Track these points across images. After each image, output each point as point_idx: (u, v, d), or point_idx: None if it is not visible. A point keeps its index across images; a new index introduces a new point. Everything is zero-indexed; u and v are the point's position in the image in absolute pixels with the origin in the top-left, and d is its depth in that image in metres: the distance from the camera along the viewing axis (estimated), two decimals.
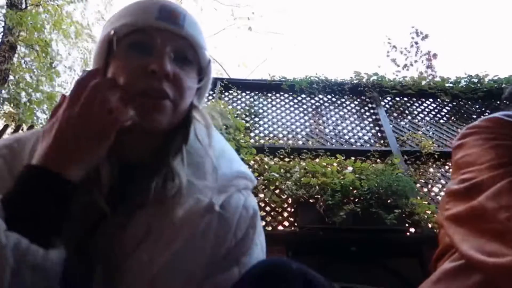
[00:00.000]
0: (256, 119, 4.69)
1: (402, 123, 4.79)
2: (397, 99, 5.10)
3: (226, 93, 5.05)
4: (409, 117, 4.89)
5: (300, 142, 4.36)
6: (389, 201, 3.28)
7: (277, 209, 3.62)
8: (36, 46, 7.44)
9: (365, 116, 4.86)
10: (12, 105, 7.34)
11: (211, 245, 0.67)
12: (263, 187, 3.75)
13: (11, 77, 7.16)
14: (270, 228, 3.52)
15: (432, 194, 3.81)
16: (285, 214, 3.62)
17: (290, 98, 5.05)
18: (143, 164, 0.71)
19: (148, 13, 0.69)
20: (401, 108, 5.00)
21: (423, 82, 5.19)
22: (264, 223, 3.57)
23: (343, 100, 5.08)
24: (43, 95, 7.29)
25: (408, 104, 5.06)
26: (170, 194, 0.66)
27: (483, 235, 0.59)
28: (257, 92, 5.10)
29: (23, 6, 7.40)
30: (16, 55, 7.35)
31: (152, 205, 0.66)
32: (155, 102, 0.66)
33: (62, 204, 0.55)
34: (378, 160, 4.10)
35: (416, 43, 9.95)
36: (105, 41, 0.69)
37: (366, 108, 4.98)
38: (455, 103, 5.07)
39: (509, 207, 0.57)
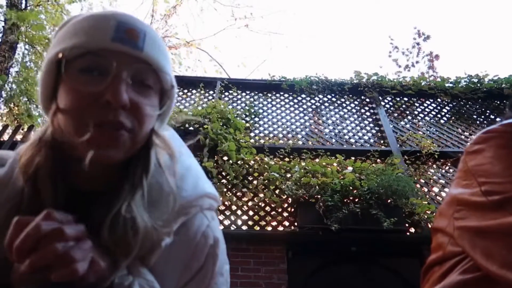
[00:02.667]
0: (256, 119, 4.69)
1: (402, 123, 4.79)
2: (397, 99, 5.10)
3: (226, 93, 5.05)
4: (409, 117, 4.89)
5: (300, 142, 4.37)
6: (389, 201, 3.28)
7: (277, 209, 3.62)
8: (37, 46, 7.45)
9: (365, 116, 4.86)
10: (12, 105, 7.35)
11: (178, 270, 0.64)
12: (263, 187, 3.75)
13: (10, 77, 7.16)
14: (270, 228, 3.53)
15: (432, 194, 3.81)
16: (285, 214, 3.62)
17: (290, 98, 5.05)
18: (95, 192, 0.64)
19: (103, 33, 0.60)
20: (401, 108, 5.00)
21: (423, 82, 5.20)
22: (264, 223, 3.58)
23: (343, 100, 5.08)
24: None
25: (408, 104, 5.06)
26: (129, 234, 0.60)
27: None
28: (257, 92, 5.10)
29: (23, 6, 7.40)
30: (16, 55, 7.36)
31: (108, 246, 0.59)
32: (110, 136, 0.59)
33: None
34: (378, 160, 4.10)
35: (418, 44, 9.97)
36: (53, 62, 0.61)
37: (366, 108, 4.98)
38: (455, 103, 5.08)
39: None
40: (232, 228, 3.52)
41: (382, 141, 4.45)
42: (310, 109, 4.92)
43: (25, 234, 0.49)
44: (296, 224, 3.42)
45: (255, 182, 3.81)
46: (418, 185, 3.79)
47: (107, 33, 0.60)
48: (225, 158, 3.89)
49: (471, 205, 0.64)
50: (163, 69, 0.64)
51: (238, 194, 3.77)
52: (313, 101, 5.02)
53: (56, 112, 0.61)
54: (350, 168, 3.70)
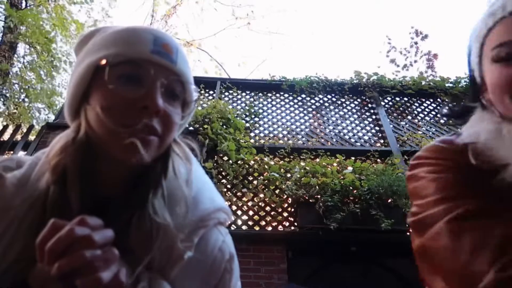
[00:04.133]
0: (256, 119, 4.69)
1: (402, 123, 4.79)
2: (397, 99, 5.10)
3: (226, 93, 5.05)
4: (409, 117, 4.89)
5: (300, 142, 4.36)
6: (389, 201, 3.28)
7: (277, 209, 3.62)
8: (37, 45, 7.45)
9: (365, 116, 4.86)
10: (12, 105, 7.35)
11: (195, 285, 0.66)
12: (263, 187, 3.75)
13: (10, 77, 7.16)
14: (270, 228, 3.53)
15: None
16: (285, 214, 3.62)
17: (290, 98, 5.05)
18: (116, 196, 0.66)
19: (142, 44, 0.65)
20: (401, 108, 5.00)
21: (423, 82, 5.20)
22: (264, 223, 3.58)
23: (343, 100, 5.09)
24: (41, 91, 7.30)
25: (408, 104, 5.06)
26: (153, 238, 0.62)
27: (429, 274, 0.62)
28: (257, 92, 5.10)
29: (23, 6, 7.40)
30: (15, 55, 7.36)
31: (131, 247, 0.61)
32: (143, 139, 0.62)
33: None
34: (378, 160, 4.10)
35: (416, 43, 9.95)
36: (92, 66, 0.65)
37: (366, 108, 4.98)
38: (455, 103, 5.07)
39: (447, 249, 0.58)
40: (232, 228, 3.52)
41: (382, 141, 4.45)
42: (310, 109, 4.92)
43: (58, 237, 0.49)
44: (296, 224, 3.42)
45: (255, 182, 3.81)
46: None
47: (146, 45, 0.65)
48: (225, 158, 3.89)
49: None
50: (190, 81, 0.70)
51: (238, 194, 3.77)
52: (313, 101, 5.02)
53: (89, 113, 0.64)
54: (350, 168, 3.70)
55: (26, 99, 7.43)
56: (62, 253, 0.49)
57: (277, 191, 3.71)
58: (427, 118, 4.91)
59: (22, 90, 7.39)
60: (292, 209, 3.57)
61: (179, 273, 0.63)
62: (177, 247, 0.63)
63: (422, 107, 5.04)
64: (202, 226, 0.68)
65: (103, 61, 0.64)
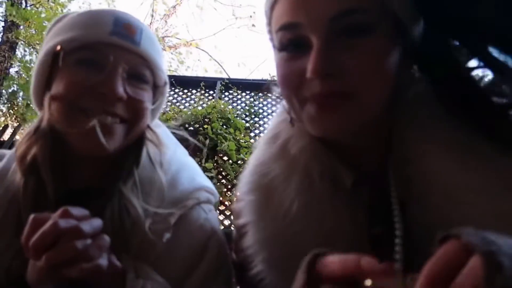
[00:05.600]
0: (256, 119, 4.68)
1: None
2: None
3: (226, 93, 5.05)
4: None
5: None
6: None
7: None
8: (37, 46, 7.45)
9: None
10: (12, 104, 7.35)
11: (179, 263, 0.65)
12: None
13: (10, 77, 7.16)
14: None
15: None
16: None
17: None
18: (91, 189, 0.64)
19: (101, 26, 0.61)
20: None
21: None
22: None
23: None
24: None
25: None
26: (127, 227, 0.61)
27: None
28: (257, 92, 5.10)
29: (23, 6, 7.40)
30: (15, 55, 7.36)
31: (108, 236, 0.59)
32: (104, 126, 0.59)
33: None
34: None
35: None
36: (49, 54, 0.61)
37: None
38: None
39: None
40: (231, 228, 3.51)
41: None
42: None
43: (42, 232, 0.48)
44: None
45: None
46: None
47: (105, 27, 0.61)
48: (225, 158, 3.89)
49: None
50: (158, 65, 0.66)
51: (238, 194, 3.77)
52: None
53: (50, 101, 0.61)
54: None
55: (26, 99, 7.42)
56: (49, 246, 0.48)
57: None
58: None
59: (21, 90, 7.39)
60: None
61: (162, 253, 0.62)
62: (154, 230, 0.62)
63: None
64: (181, 206, 0.67)
65: (58, 47, 0.60)
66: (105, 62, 0.60)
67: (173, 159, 0.72)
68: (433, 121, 0.49)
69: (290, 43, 0.51)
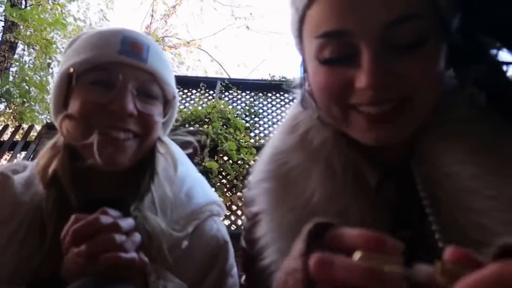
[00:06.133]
0: (256, 119, 4.69)
1: None
2: None
3: (226, 93, 5.05)
4: None
5: None
6: None
7: None
8: (36, 46, 7.44)
9: None
10: (12, 105, 7.34)
11: (194, 269, 0.70)
12: None
13: (10, 76, 7.16)
14: None
15: None
16: None
17: (290, 98, 5.05)
18: (112, 199, 0.67)
19: (110, 46, 0.65)
20: None
21: None
22: None
23: None
24: (37, 91, 7.31)
25: None
26: (144, 239, 0.63)
27: None
28: (257, 92, 5.10)
29: (23, 6, 7.39)
30: (15, 55, 7.35)
31: None
32: (116, 142, 0.64)
33: None
34: None
35: None
36: (65, 76, 0.66)
37: None
38: None
39: None
40: (232, 228, 3.51)
41: None
42: None
43: (86, 221, 0.54)
44: None
45: None
46: None
47: (113, 47, 0.65)
48: (225, 158, 3.89)
49: None
50: (166, 80, 0.70)
51: (238, 194, 3.77)
52: None
53: (64, 119, 0.66)
54: None
55: (25, 99, 7.41)
56: (88, 236, 0.53)
57: None
58: None
59: (20, 90, 7.38)
60: None
61: (178, 259, 0.67)
62: (173, 239, 0.67)
63: None
64: (196, 218, 0.72)
65: (71, 70, 0.65)
66: (115, 80, 0.64)
67: (187, 175, 0.77)
68: (460, 122, 0.47)
69: (336, 54, 0.46)
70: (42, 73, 7.69)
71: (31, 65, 7.75)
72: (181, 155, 0.79)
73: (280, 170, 0.55)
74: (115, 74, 0.64)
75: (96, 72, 0.65)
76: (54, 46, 7.75)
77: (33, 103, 7.32)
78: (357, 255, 0.32)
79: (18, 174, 0.71)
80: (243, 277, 0.71)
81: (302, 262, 0.35)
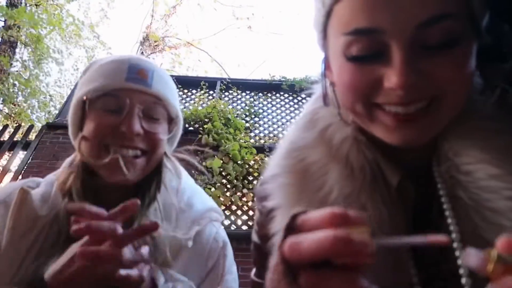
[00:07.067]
0: (256, 119, 4.69)
1: None
2: None
3: (226, 93, 5.05)
4: None
5: None
6: None
7: None
8: (30, 43, 7.44)
9: None
10: (11, 104, 7.34)
11: (196, 268, 0.77)
12: None
13: (10, 77, 7.16)
14: None
15: None
16: None
17: (290, 98, 5.05)
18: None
19: (118, 75, 0.75)
20: None
21: None
22: None
23: None
24: (32, 89, 7.33)
25: None
26: (150, 244, 0.70)
27: None
28: (257, 92, 5.10)
29: (22, 6, 7.40)
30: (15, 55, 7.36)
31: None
32: (126, 159, 0.72)
33: None
34: None
35: None
36: (80, 102, 0.76)
37: None
38: None
39: None
40: (232, 228, 3.52)
41: None
42: None
43: (103, 224, 0.58)
44: None
45: (255, 182, 3.81)
46: None
47: (121, 75, 0.75)
48: (226, 158, 3.89)
49: None
50: (169, 102, 0.79)
51: (238, 194, 3.77)
52: None
53: (81, 140, 0.75)
54: None
55: (23, 98, 7.43)
56: (98, 241, 0.58)
57: None
58: None
59: (19, 89, 7.39)
60: None
61: (183, 260, 0.75)
62: (178, 240, 0.75)
63: None
64: (197, 224, 0.80)
65: (84, 97, 0.75)
66: (123, 105, 0.73)
67: (186, 186, 0.85)
68: (482, 120, 0.46)
69: (365, 52, 0.44)
70: (31, 67, 7.69)
71: (30, 66, 7.76)
72: (181, 168, 0.88)
73: (298, 165, 0.54)
74: (123, 99, 0.73)
75: (106, 97, 0.74)
76: (45, 42, 7.75)
77: (30, 99, 7.33)
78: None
79: (34, 190, 0.77)
80: (253, 271, 0.72)
81: (279, 254, 0.35)
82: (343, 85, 0.49)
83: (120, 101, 0.73)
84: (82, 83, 0.78)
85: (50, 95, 8.66)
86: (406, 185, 0.51)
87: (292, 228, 0.36)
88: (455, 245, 0.44)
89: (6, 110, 7.44)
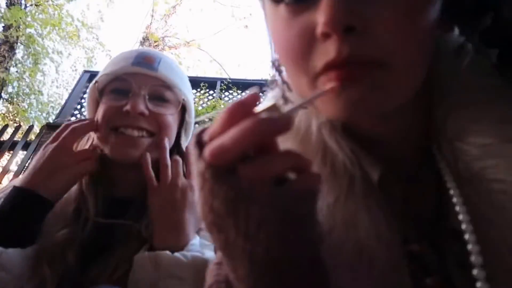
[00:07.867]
0: None
1: None
2: None
3: (226, 93, 5.05)
4: None
5: None
6: None
7: None
8: (33, 45, 7.44)
9: None
10: (12, 105, 7.34)
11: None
12: None
13: (10, 77, 7.16)
14: None
15: None
16: None
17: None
18: (134, 199, 0.79)
19: (126, 61, 0.79)
20: None
21: None
22: None
23: None
24: (29, 89, 7.35)
25: None
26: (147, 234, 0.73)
27: None
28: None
29: (22, 6, 7.39)
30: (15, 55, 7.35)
31: (131, 243, 0.73)
32: (129, 138, 0.75)
33: (39, 216, 0.67)
34: None
35: None
36: (93, 89, 0.81)
37: None
38: None
39: None
40: None
41: None
42: None
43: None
44: None
45: None
46: None
47: (128, 60, 0.79)
48: None
49: None
50: (176, 85, 0.81)
51: None
52: None
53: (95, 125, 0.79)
54: None
55: (22, 98, 7.43)
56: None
57: None
58: None
59: (18, 90, 7.39)
60: None
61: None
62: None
63: None
64: None
65: (96, 84, 0.80)
66: (130, 87, 0.76)
67: None
68: (484, 92, 0.37)
69: None
70: (28, 66, 7.70)
71: (30, 66, 7.76)
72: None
73: None
74: (129, 82, 0.77)
75: (115, 81, 0.78)
76: (44, 42, 7.75)
77: (28, 98, 7.33)
78: None
79: None
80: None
81: (203, 162, 0.32)
82: (279, 45, 0.40)
83: (127, 84, 0.76)
84: (99, 75, 0.84)
85: (48, 96, 8.66)
86: (390, 181, 0.43)
87: (201, 143, 0.34)
88: (470, 247, 0.36)
89: (4, 110, 7.44)
